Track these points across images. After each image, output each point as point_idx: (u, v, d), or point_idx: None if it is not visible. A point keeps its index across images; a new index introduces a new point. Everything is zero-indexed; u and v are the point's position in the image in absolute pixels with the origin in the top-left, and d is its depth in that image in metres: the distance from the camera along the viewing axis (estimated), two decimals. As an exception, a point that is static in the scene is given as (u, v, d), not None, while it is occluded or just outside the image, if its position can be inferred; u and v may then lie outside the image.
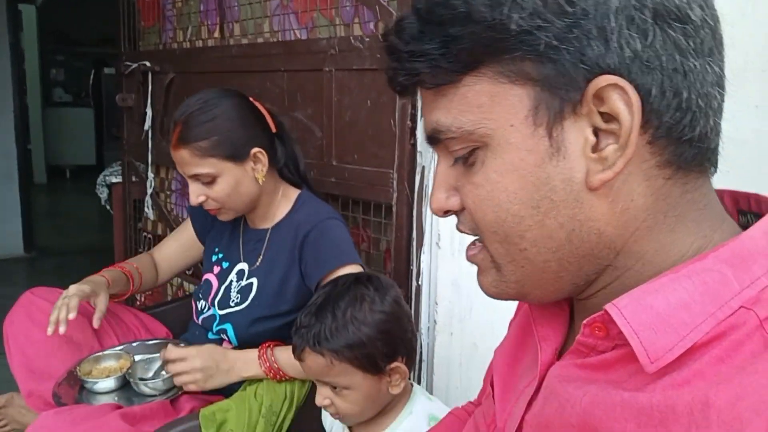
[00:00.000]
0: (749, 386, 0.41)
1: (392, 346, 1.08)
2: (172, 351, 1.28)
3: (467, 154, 0.53)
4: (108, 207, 3.01)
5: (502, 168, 0.51)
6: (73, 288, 1.41)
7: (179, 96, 2.27)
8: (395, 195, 1.57)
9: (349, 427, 1.16)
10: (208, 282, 1.51)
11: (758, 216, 0.55)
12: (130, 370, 1.36)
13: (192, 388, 1.29)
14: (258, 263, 1.44)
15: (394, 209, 1.58)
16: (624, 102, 0.47)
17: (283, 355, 1.30)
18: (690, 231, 0.51)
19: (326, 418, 1.25)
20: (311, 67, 1.73)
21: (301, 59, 1.76)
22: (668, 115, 0.48)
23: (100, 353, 1.45)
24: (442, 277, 1.54)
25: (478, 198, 0.53)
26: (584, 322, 0.51)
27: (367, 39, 1.57)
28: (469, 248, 0.59)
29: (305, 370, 1.09)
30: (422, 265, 1.55)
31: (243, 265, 1.47)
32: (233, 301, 1.42)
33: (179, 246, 1.67)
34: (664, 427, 0.44)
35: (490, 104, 0.50)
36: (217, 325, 1.42)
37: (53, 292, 1.59)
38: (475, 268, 0.59)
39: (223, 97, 1.37)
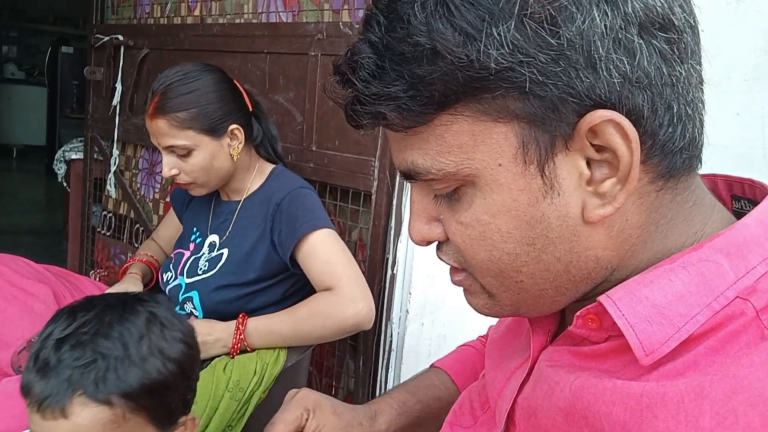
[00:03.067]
0: (744, 379, 0.41)
1: (193, 384, 0.79)
2: None
3: (451, 192, 0.50)
4: (65, 184, 2.91)
5: (494, 209, 0.48)
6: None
7: (152, 73, 2.21)
8: (375, 183, 1.56)
9: None
10: (180, 254, 1.48)
11: (751, 201, 0.55)
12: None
13: None
14: (227, 234, 1.43)
15: (373, 197, 1.57)
16: (621, 136, 0.44)
17: (253, 323, 1.30)
18: (681, 232, 0.50)
19: None
20: (296, 50, 1.71)
21: (285, 42, 1.75)
22: (662, 131, 0.45)
23: (62, 325, 1.40)
24: (417, 267, 1.54)
25: (469, 238, 0.50)
26: (577, 313, 0.50)
27: (357, 26, 1.56)
28: (454, 273, 0.56)
29: None
30: (398, 255, 1.55)
31: (214, 237, 1.45)
32: (201, 269, 1.40)
33: (173, 227, 1.67)
34: (650, 412, 0.43)
35: (472, 144, 0.46)
36: (182, 294, 1.40)
37: (8, 258, 1.53)
38: None
39: (204, 71, 1.36)
